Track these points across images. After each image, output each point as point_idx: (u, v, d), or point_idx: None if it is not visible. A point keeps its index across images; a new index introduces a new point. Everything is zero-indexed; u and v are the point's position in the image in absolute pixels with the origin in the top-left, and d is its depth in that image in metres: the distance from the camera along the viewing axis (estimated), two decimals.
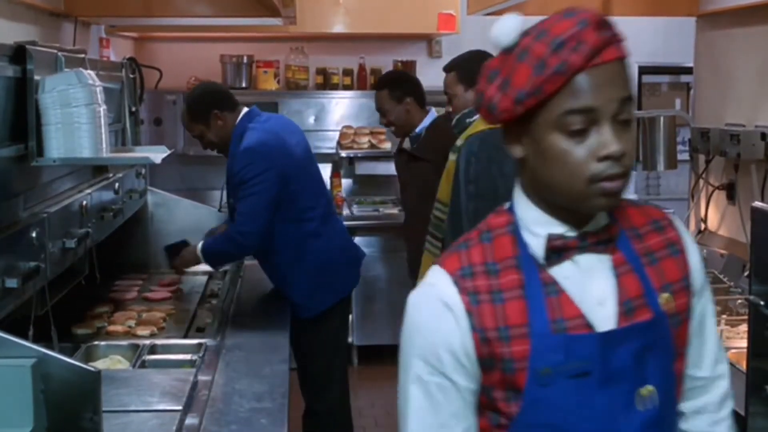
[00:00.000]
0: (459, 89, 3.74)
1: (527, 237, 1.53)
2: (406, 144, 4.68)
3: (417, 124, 4.61)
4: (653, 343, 1.50)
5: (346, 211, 6.41)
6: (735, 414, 2.51)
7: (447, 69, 3.86)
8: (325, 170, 6.11)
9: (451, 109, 3.83)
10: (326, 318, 4.00)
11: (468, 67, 3.63)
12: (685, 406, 1.65)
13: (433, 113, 4.65)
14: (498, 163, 3.14)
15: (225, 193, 4.04)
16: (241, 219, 3.72)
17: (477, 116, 3.37)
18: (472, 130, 3.33)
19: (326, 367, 4.08)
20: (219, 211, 4.54)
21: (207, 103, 3.83)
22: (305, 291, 3.93)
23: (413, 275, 4.57)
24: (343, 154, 6.46)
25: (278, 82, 6.66)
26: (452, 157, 3.36)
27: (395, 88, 4.61)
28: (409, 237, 4.73)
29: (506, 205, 1.61)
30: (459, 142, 3.35)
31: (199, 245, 3.87)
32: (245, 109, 3.89)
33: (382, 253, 6.11)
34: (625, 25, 6.38)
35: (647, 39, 7.01)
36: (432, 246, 3.45)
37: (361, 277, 5.99)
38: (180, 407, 2.46)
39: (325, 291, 3.98)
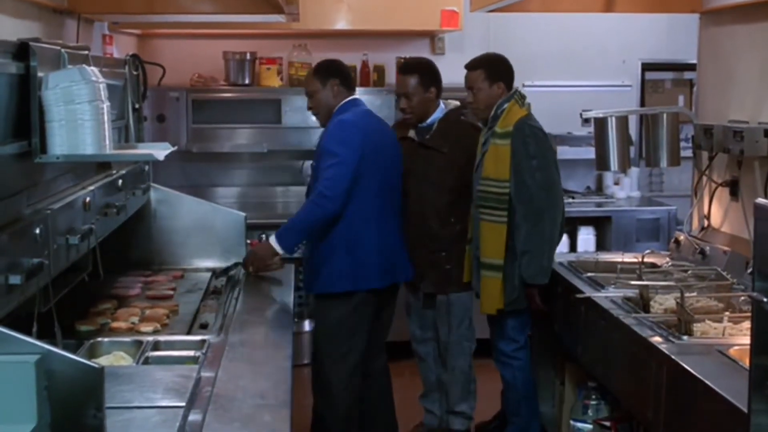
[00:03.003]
0: (485, 85, 4.35)
1: None
2: (411, 133, 4.71)
3: (431, 114, 4.66)
4: None
5: None
6: (738, 410, 2.52)
7: (472, 67, 4.40)
8: None
9: (471, 100, 4.43)
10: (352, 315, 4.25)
11: (492, 66, 4.38)
12: None
13: (443, 107, 4.69)
14: (544, 139, 4.27)
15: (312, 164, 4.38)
16: (325, 183, 4.07)
17: (506, 105, 4.29)
18: (512, 118, 4.25)
19: (342, 372, 4.26)
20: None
21: (333, 71, 4.36)
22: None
23: None
24: None
25: (281, 78, 6.66)
26: (502, 141, 4.23)
27: (426, 75, 4.64)
28: (407, 221, 4.67)
29: None
30: (501, 129, 4.24)
31: (272, 236, 4.13)
32: (354, 96, 4.36)
33: None
34: (628, 21, 6.49)
35: (650, 36, 7.02)
36: (494, 216, 4.27)
37: None
38: (183, 404, 2.46)
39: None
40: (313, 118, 4.54)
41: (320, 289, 4.29)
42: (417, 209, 4.66)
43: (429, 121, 4.67)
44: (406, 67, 4.76)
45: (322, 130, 4.40)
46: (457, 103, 4.77)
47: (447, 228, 4.63)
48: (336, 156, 4.10)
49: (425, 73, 4.64)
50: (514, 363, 4.50)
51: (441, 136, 4.64)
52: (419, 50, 6.86)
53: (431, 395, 5.03)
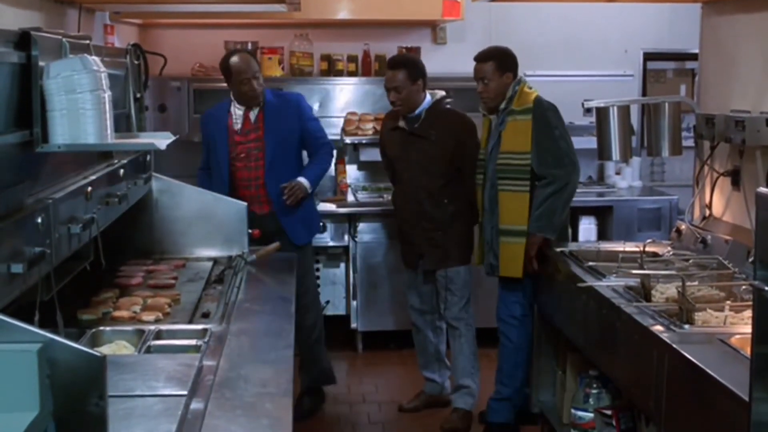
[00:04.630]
0: (495, 76, 4.65)
1: None
2: (401, 123, 4.99)
3: (419, 104, 4.94)
4: None
5: (350, 198, 6.41)
6: (739, 399, 2.52)
7: (483, 59, 4.71)
8: None
9: (482, 90, 4.70)
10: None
11: (502, 58, 4.70)
12: None
13: (429, 98, 4.97)
14: (560, 115, 4.64)
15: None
16: (324, 135, 5.16)
17: (518, 87, 4.64)
18: (527, 97, 4.61)
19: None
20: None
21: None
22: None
23: (402, 238, 5.17)
24: (348, 140, 6.47)
25: (283, 68, 6.66)
26: (522, 116, 4.58)
27: (413, 69, 4.93)
28: (404, 204, 5.09)
29: None
30: (520, 107, 4.58)
31: (304, 180, 5.00)
32: None
33: (386, 239, 6.11)
34: (630, 11, 6.50)
35: (652, 25, 7.00)
36: (515, 185, 4.59)
37: (364, 263, 6.13)
38: (185, 392, 2.47)
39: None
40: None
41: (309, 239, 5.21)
42: (412, 193, 4.98)
43: (417, 111, 4.94)
44: (394, 63, 5.07)
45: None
46: (443, 93, 5.09)
47: (440, 209, 4.93)
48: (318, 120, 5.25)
49: (411, 67, 4.94)
50: (515, 323, 4.76)
51: (429, 125, 4.92)
52: (421, 40, 6.85)
53: (431, 365, 5.28)
